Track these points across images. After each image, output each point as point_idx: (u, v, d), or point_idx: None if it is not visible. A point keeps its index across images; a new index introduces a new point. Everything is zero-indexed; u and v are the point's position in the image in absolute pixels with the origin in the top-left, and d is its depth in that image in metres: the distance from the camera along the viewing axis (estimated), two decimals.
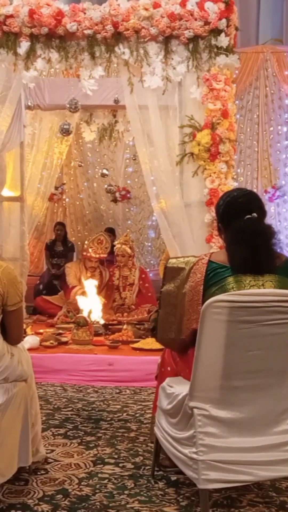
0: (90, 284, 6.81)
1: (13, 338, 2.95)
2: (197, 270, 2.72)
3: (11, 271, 2.87)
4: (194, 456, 2.54)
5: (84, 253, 7.20)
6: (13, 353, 2.94)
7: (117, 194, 9.25)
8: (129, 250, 6.97)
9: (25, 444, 2.96)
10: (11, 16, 5.08)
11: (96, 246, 7.08)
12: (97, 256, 7.11)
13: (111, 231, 8.72)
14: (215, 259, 2.72)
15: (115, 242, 7.20)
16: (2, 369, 2.89)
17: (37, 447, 3.16)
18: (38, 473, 3.12)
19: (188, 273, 2.78)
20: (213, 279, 2.67)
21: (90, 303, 6.60)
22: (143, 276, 7.07)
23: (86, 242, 7.39)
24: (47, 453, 3.36)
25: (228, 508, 2.77)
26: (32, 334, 5.86)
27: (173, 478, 3.09)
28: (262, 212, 2.74)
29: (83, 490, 2.93)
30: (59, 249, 8.37)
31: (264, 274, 2.64)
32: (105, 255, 7.20)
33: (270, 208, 8.59)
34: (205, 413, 2.57)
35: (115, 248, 7.07)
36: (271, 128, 8.86)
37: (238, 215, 2.68)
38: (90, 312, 6.34)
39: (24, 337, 3.12)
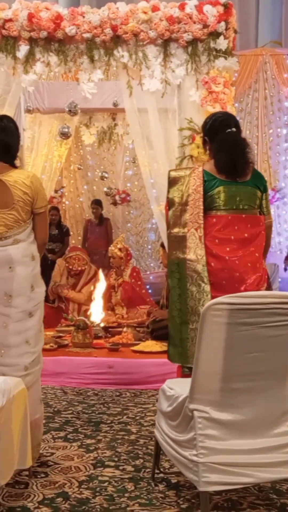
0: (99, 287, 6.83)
1: (40, 238, 3.34)
2: (196, 176, 3.37)
3: (38, 178, 3.37)
4: (195, 458, 2.54)
5: (67, 265, 7.21)
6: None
7: (117, 197, 9.25)
8: (118, 252, 7.00)
9: (23, 447, 2.95)
10: (10, 20, 5.09)
11: (74, 262, 7.14)
12: (80, 268, 7.16)
13: (98, 203, 8.74)
14: (206, 168, 3.40)
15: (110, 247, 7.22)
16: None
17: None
18: (38, 476, 3.12)
19: (189, 178, 3.38)
20: (207, 187, 3.34)
21: (95, 305, 6.63)
22: (134, 274, 7.08)
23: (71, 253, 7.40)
24: (47, 456, 3.37)
25: (229, 510, 2.77)
26: None
27: (174, 480, 3.09)
28: (239, 128, 3.47)
29: (83, 493, 2.93)
30: (54, 232, 8.34)
31: (242, 179, 3.33)
32: (84, 267, 7.22)
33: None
34: (205, 416, 2.57)
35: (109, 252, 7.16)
36: (271, 131, 8.87)
37: (221, 128, 3.41)
38: (90, 315, 6.34)
39: None
